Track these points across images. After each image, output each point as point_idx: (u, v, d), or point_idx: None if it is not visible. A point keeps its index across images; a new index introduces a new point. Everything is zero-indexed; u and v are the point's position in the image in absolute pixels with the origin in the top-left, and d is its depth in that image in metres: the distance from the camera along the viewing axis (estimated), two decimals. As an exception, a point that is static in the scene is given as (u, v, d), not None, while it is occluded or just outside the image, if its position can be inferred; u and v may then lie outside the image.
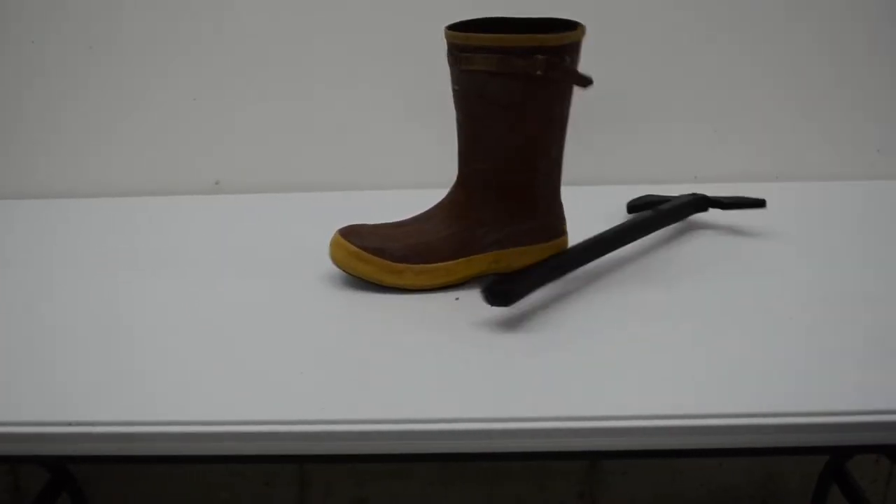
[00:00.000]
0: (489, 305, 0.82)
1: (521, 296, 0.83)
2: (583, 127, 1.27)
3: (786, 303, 0.87)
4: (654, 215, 1.09)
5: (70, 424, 0.68)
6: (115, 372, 0.76)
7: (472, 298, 0.88)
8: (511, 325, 0.83)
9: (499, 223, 0.91)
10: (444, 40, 0.89)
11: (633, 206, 1.16)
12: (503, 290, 0.81)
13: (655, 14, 1.23)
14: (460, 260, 0.90)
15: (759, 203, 1.13)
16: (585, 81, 0.86)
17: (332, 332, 0.83)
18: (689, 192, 1.18)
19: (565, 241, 0.95)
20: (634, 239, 1.04)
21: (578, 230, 1.04)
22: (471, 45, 0.84)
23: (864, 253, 1.00)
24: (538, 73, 0.83)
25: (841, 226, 1.09)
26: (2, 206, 1.25)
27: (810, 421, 0.67)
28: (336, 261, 0.91)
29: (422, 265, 0.89)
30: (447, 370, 0.75)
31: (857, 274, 0.94)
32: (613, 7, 1.23)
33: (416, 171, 1.29)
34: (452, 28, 0.88)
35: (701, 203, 1.14)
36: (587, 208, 1.16)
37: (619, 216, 1.09)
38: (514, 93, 0.85)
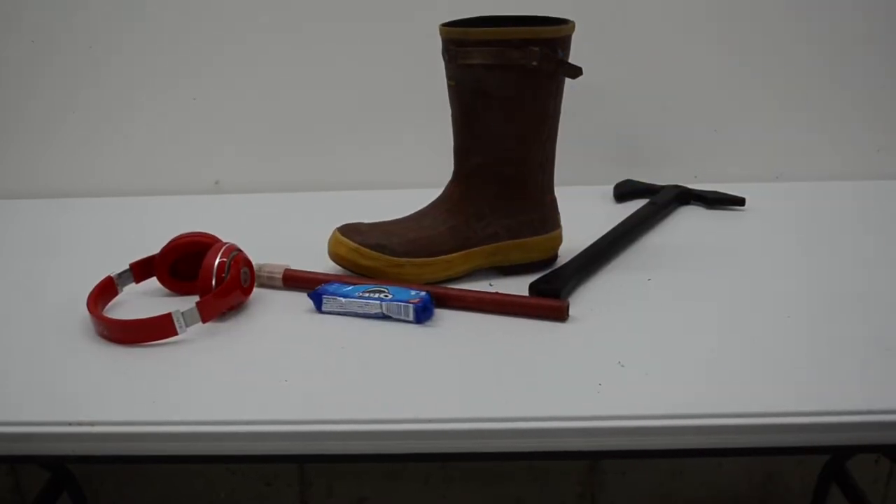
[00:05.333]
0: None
1: (568, 293, 0.89)
2: (583, 128, 1.28)
3: (785, 302, 0.87)
4: (653, 209, 1.11)
5: (70, 424, 0.68)
6: (115, 372, 0.76)
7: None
8: (510, 325, 0.83)
9: (496, 216, 0.92)
10: (439, 39, 0.90)
11: (620, 194, 1.21)
12: (550, 289, 0.87)
13: (656, 15, 1.23)
14: (459, 253, 0.91)
15: (739, 201, 1.16)
16: (576, 72, 0.88)
17: (331, 331, 0.83)
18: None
19: (560, 235, 0.96)
20: (643, 232, 1.07)
21: (580, 229, 1.04)
22: (468, 39, 0.86)
23: (863, 253, 1.00)
24: (533, 63, 0.85)
25: (841, 226, 1.09)
26: (1, 206, 1.26)
27: (810, 421, 0.67)
28: (336, 258, 0.91)
29: (422, 259, 0.90)
30: (447, 370, 0.75)
31: (857, 273, 0.94)
32: (614, 7, 1.23)
33: (413, 170, 1.29)
34: (448, 25, 0.89)
35: (685, 196, 1.18)
36: (589, 207, 1.16)
37: (615, 214, 1.09)
38: (510, 85, 0.87)
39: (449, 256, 0.91)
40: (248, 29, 1.24)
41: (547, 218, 0.95)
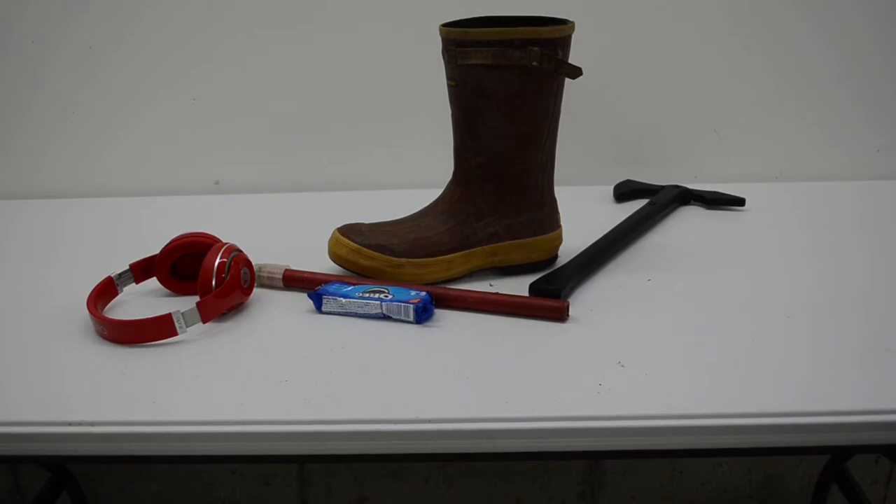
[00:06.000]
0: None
1: (568, 293, 0.89)
2: (583, 128, 1.28)
3: (785, 302, 0.87)
4: (653, 209, 1.11)
5: (70, 424, 0.68)
6: (115, 372, 0.76)
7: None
8: (510, 325, 0.84)
9: (496, 216, 0.92)
10: (439, 40, 0.90)
11: (620, 194, 1.21)
12: (550, 289, 0.87)
13: (656, 14, 1.23)
14: (459, 253, 0.91)
15: (739, 201, 1.16)
16: (576, 72, 0.88)
17: (331, 331, 0.83)
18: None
19: (560, 235, 0.96)
20: (643, 232, 1.07)
21: (580, 229, 1.04)
22: (469, 39, 0.86)
23: (863, 253, 1.00)
24: (533, 64, 0.85)
25: (841, 226, 1.09)
26: (1, 206, 1.26)
27: (810, 421, 0.67)
28: (337, 258, 0.91)
29: (423, 259, 0.90)
30: (447, 370, 0.75)
31: (857, 274, 0.94)
32: (614, 7, 1.23)
33: (413, 170, 1.29)
34: (448, 26, 0.89)
35: (685, 196, 1.18)
36: (589, 207, 1.16)
37: (615, 214, 1.09)
38: (510, 85, 0.87)
39: (449, 257, 0.91)
40: (248, 29, 1.24)
41: (547, 218, 0.95)
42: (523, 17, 0.91)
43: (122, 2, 1.23)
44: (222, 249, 0.86)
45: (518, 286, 0.90)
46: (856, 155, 1.31)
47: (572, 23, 0.88)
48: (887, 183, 1.28)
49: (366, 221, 0.96)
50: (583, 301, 0.88)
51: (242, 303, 0.88)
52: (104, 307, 0.88)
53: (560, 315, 0.84)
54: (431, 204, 0.95)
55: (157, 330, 0.80)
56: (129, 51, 1.25)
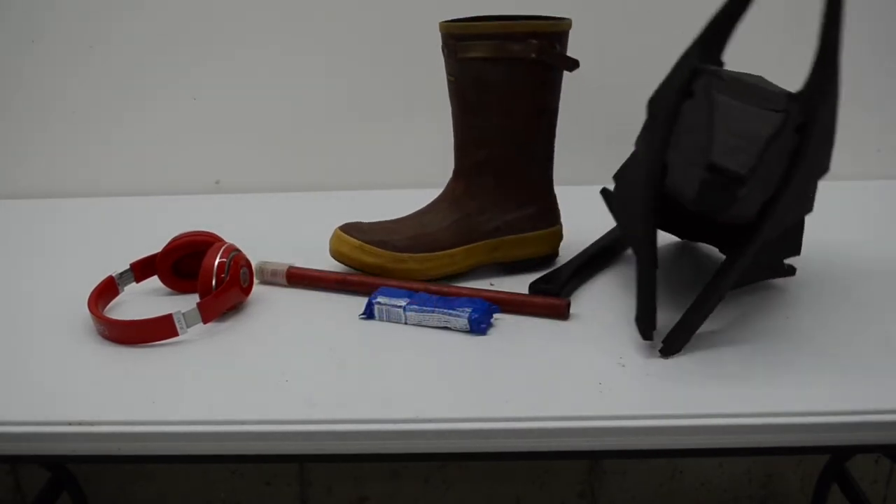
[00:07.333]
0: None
1: (569, 292, 0.89)
2: (583, 127, 1.28)
3: (785, 302, 0.87)
4: None
5: (70, 424, 0.68)
6: (116, 372, 0.76)
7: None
8: (510, 324, 0.84)
9: (497, 210, 0.92)
10: (440, 38, 0.90)
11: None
12: (551, 288, 0.87)
13: (654, 14, 1.23)
14: (462, 248, 0.92)
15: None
16: (574, 64, 0.89)
17: (331, 331, 0.83)
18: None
19: (560, 230, 0.96)
20: None
21: (580, 228, 1.04)
22: (469, 33, 0.87)
23: (864, 252, 1.00)
24: (532, 55, 0.86)
25: (841, 226, 1.09)
26: (2, 206, 1.26)
27: (810, 421, 0.67)
28: (339, 255, 0.91)
29: (425, 254, 0.90)
30: (447, 370, 0.75)
31: (857, 274, 0.94)
32: (614, 6, 1.23)
33: (413, 170, 1.29)
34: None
35: None
36: (589, 207, 1.16)
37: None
38: (509, 78, 0.87)
39: (451, 251, 0.91)
40: (248, 29, 1.24)
41: (547, 212, 0.95)
42: (521, 16, 0.92)
43: (122, 1, 1.23)
44: (221, 249, 0.86)
45: (519, 285, 0.90)
46: (856, 155, 1.31)
47: (569, 20, 0.89)
48: (887, 183, 1.28)
49: (366, 221, 0.96)
50: (583, 300, 0.88)
51: (242, 302, 0.88)
52: (105, 307, 0.88)
53: (561, 313, 0.84)
54: (433, 202, 0.95)
55: (158, 330, 0.80)
56: (129, 50, 1.25)
